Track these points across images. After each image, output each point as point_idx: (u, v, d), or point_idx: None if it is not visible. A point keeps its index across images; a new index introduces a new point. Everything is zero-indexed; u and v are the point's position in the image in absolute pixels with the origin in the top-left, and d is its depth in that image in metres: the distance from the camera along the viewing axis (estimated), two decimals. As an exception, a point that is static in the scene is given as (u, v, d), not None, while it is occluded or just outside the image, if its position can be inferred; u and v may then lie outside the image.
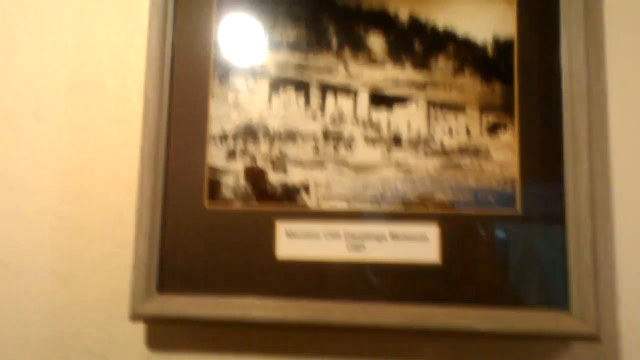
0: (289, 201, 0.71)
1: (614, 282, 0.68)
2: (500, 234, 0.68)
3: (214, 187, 0.72)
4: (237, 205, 0.72)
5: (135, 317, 0.69)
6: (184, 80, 0.74)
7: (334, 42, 0.73)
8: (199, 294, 0.70)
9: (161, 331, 0.74)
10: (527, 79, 0.70)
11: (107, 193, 0.77)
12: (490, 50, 0.71)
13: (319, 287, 0.69)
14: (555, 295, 0.66)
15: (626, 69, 0.71)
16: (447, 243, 0.68)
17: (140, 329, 0.74)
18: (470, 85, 0.71)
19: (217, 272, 0.71)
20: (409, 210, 0.70)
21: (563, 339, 0.67)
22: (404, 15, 0.73)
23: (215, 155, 0.73)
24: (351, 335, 0.71)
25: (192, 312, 0.68)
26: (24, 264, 0.78)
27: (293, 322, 0.67)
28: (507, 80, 0.70)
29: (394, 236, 0.69)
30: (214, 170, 0.72)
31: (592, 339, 0.63)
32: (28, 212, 0.78)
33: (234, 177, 0.72)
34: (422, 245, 0.69)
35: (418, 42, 0.72)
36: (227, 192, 0.72)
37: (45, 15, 0.81)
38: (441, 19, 0.72)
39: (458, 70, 0.71)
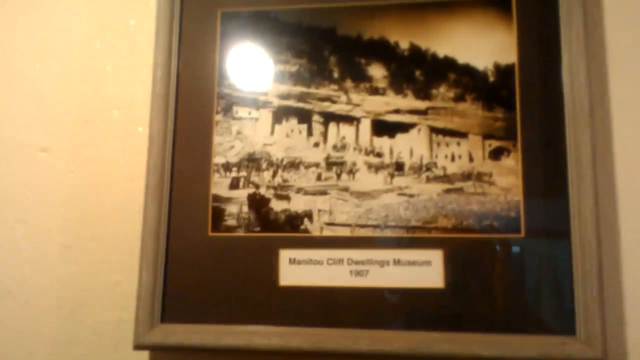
0: (292, 229, 0.72)
1: (621, 305, 0.67)
2: (504, 258, 0.68)
3: (218, 216, 0.73)
4: (240, 233, 0.72)
5: (139, 347, 0.70)
6: (189, 112, 0.77)
7: (336, 72, 0.76)
8: (201, 322, 0.71)
9: (166, 355, 0.73)
10: (529, 103, 0.71)
11: (112, 223, 0.79)
12: (491, 77, 0.73)
13: (322, 314, 0.70)
14: (561, 319, 0.67)
15: (629, 89, 0.73)
16: (451, 268, 0.69)
17: (145, 356, 0.73)
18: (472, 112, 0.72)
19: (219, 300, 0.72)
20: (412, 236, 0.69)
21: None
22: (404, 44, 0.75)
23: (219, 184, 0.74)
24: (355, 364, 0.70)
25: (194, 341, 0.69)
26: (30, 294, 0.80)
27: (295, 349, 0.68)
28: (509, 106, 0.71)
29: (398, 262, 0.70)
30: (218, 199, 0.74)
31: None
32: (35, 242, 0.81)
33: (237, 205, 0.73)
34: (425, 270, 0.69)
35: (419, 71, 0.74)
36: (230, 221, 0.73)
37: (54, 51, 0.86)
38: (441, 48, 0.74)
39: (459, 97, 0.73)
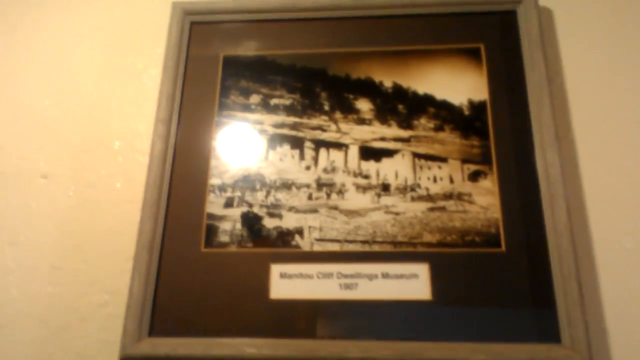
0: (283, 244, 0.75)
1: (600, 308, 0.70)
2: (487, 270, 0.71)
3: (211, 232, 0.77)
4: (233, 249, 0.75)
5: (125, 358, 0.68)
6: (189, 138, 0.82)
7: (326, 105, 0.83)
8: (191, 335, 0.70)
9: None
10: (501, 132, 0.79)
11: (105, 245, 0.82)
12: (466, 111, 0.81)
13: (312, 326, 0.71)
14: (545, 328, 0.68)
15: (588, 114, 0.82)
16: (437, 280, 0.72)
17: (127, 375, 0.72)
18: (450, 140, 0.79)
19: (210, 313, 0.73)
20: (399, 250, 0.73)
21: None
22: (388, 83, 0.84)
23: (214, 204, 0.79)
24: (345, 374, 0.70)
25: (182, 352, 0.69)
26: (14, 315, 0.79)
27: (285, 359, 0.67)
28: (483, 135, 0.79)
29: (386, 275, 0.73)
30: (212, 217, 0.77)
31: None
32: (24, 265, 0.82)
33: (231, 222, 0.77)
34: (413, 282, 0.72)
35: (401, 105, 0.82)
36: (223, 237, 0.76)
37: (63, 88, 0.94)
38: (421, 86, 0.84)
39: (439, 127, 0.80)
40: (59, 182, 0.87)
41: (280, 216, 0.78)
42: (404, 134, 0.82)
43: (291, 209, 0.79)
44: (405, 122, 0.83)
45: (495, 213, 0.76)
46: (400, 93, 0.85)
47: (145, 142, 0.86)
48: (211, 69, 0.88)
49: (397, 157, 0.81)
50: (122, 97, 0.92)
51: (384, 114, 0.84)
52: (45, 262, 0.82)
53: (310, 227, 0.77)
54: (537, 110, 0.80)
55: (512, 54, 0.85)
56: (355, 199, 0.79)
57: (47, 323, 0.79)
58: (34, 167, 0.88)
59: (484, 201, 0.77)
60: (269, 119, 0.85)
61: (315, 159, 0.82)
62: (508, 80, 0.84)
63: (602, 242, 0.74)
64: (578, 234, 0.74)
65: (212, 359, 0.69)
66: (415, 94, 0.85)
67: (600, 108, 0.83)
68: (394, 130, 0.83)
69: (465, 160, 0.80)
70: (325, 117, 0.84)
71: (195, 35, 0.91)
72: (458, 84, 0.85)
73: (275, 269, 0.75)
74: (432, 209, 0.77)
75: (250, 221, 0.79)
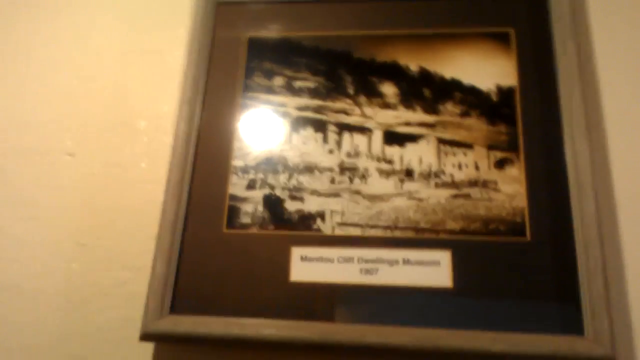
0: (304, 227, 0.76)
1: (626, 302, 0.69)
2: (511, 260, 0.71)
3: (233, 214, 0.77)
4: (254, 231, 0.76)
5: (146, 336, 0.71)
6: (213, 118, 0.82)
7: (351, 89, 0.83)
8: (211, 314, 0.72)
9: (170, 354, 0.73)
10: (529, 119, 0.78)
11: (129, 223, 0.84)
12: (494, 97, 0.80)
13: (331, 310, 0.71)
14: (568, 319, 0.68)
15: (620, 103, 0.80)
16: (459, 268, 0.72)
17: (149, 352, 0.74)
18: (477, 126, 0.78)
19: (230, 293, 0.74)
20: (421, 237, 0.73)
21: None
22: (414, 67, 0.83)
23: (237, 185, 0.79)
24: (363, 358, 0.70)
25: (202, 330, 0.70)
26: (38, 290, 0.82)
27: (303, 341, 0.68)
28: (511, 122, 0.78)
29: (407, 261, 0.72)
30: (234, 198, 0.78)
31: (608, 360, 0.63)
32: (49, 240, 0.84)
33: (253, 205, 0.78)
34: (434, 270, 0.72)
35: (427, 90, 0.81)
36: (245, 219, 0.77)
37: (89, 68, 0.95)
38: (448, 71, 0.82)
39: (465, 113, 0.79)
40: (85, 160, 0.89)
41: (302, 199, 0.79)
42: (430, 119, 0.82)
43: (313, 192, 0.79)
44: (431, 107, 0.82)
45: (521, 202, 0.75)
46: (426, 77, 0.84)
47: (169, 123, 0.87)
48: (236, 51, 0.89)
49: (422, 143, 0.80)
50: (146, 77, 0.93)
51: (409, 98, 0.83)
52: (70, 239, 0.84)
53: (332, 211, 0.78)
54: (567, 98, 0.78)
55: (542, 39, 0.83)
56: (378, 184, 0.79)
57: (69, 298, 0.81)
58: (61, 145, 0.90)
59: (510, 189, 0.76)
60: (293, 102, 0.85)
61: (339, 143, 0.82)
62: (538, 66, 0.82)
63: (630, 235, 0.73)
64: (606, 226, 0.72)
65: (232, 339, 0.70)
66: (442, 79, 0.84)
67: (634, 97, 0.81)
68: (419, 115, 0.82)
69: (491, 147, 0.79)
70: (349, 101, 0.84)
71: (221, 16, 0.91)
72: (486, 69, 0.83)
73: (296, 252, 0.76)
74: (456, 196, 0.77)
75: (272, 204, 0.79)
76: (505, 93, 0.81)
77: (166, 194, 0.79)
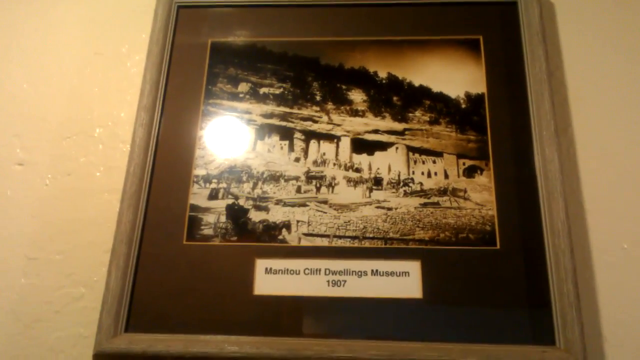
0: (269, 238, 0.74)
1: (597, 311, 0.70)
2: (481, 269, 0.71)
3: (194, 225, 0.76)
4: (216, 242, 0.74)
5: (99, 355, 0.67)
6: (173, 126, 0.80)
7: (318, 96, 0.82)
8: (169, 332, 0.70)
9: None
10: (498, 127, 0.79)
11: (83, 236, 0.81)
12: (463, 104, 0.81)
13: (297, 324, 0.70)
14: (540, 330, 0.68)
15: (588, 110, 0.81)
16: (429, 278, 0.71)
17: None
18: (446, 134, 0.79)
19: (190, 309, 0.72)
20: (390, 247, 0.72)
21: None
22: (383, 74, 0.83)
23: (198, 195, 0.77)
24: (331, 375, 0.69)
25: (159, 349, 0.68)
26: (-16, 308, 0.76)
27: (268, 357, 0.68)
28: (480, 129, 0.79)
29: (375, 272, 0.72)
30: (196, 209, 0.76)
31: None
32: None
33: (215, 215, 0.76)
34: (403, 280, 0.71)
35: (396, 97, 0.82)
36: (207, 230, 0.75)
37: (44, 73, 0.93)
38: (417, 78, 0.83)
39: (434, 121, 0.80)
40: (36, 169, 0.86)
41: (267, 209, 0.77)
42: (399, 126, 0.81)
43: (279, 202, 0.78)
44: (400, 115, 0.82)
45: (491, 210, 0.75)
46: (395, 84, 0.84)
47: (127, 129, 0.85)
48: (198, 56, 0.87)
49: (391, 151, 0.80)
50: (104, 82, 0.90)
51: (378, 105, 0.83)
52: (20, 253, 0.81)
53: (298, 221, 0.76)
54: (536, 105, 0.79)
55: (511, 47, 0.84)
56: (345, 193, 0.78)
57: (20, 316, 0.77)
58: (10, 153, 0.87)
59: (480, 197, 0.76)
60: (258, 109, 0.84)
61: (305, 151, 0.81)
62: (507, 73, 0.83)
63: (600, 242, 0.74)
64: (576, 233, 0.73)
65: (192, 357, 0.68)
66: (410, 86, 0.84)
67: (601, 104, 0.83)
68: (388, 123, 0.82)
69: (461, 155, 0.79)
70: (316, 108, 0.83)
71: (182, 19, 0.89)
72: (455, 76, 0.84)
73: (260, 264, 0.74)
74: (425, 205, 0.76)
75: (236, 214, 0.77)
76: (474, 100, 0.82)
77: (122, 205, 0.76)
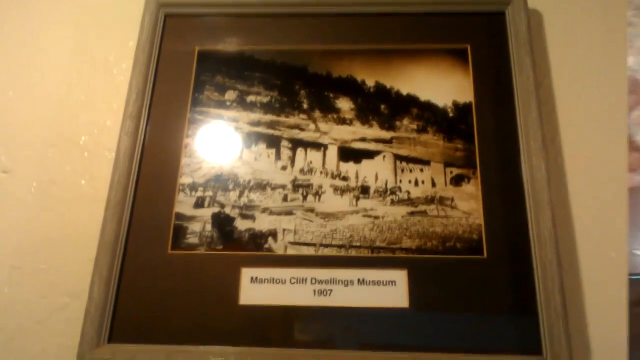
0: (255, 247, 0.75)
1: (585, 324, 0.70)
2: (468, 279, 0.71)
3: (179, 234, 0.76)
4: (202, 251, 0.74)
5: (81, 366, 0.67)
6: (159, 134, 0.81)
7: (306, 104, 0.83)
8: (153, 342, 0.69)
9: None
10: (486, 136, 0.80)
11: (68, 245, 0.81)
12: (450, 113, 0.81)
13: (283, 334, 0.70)
14: (527, 340, 0.68)
15: (576, 119, 0.83)
16: (416, 288, 0.71)
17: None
18: (434, 142, 0.79)
19: (175, 320, 0.72)
20: (377, 256, 0.73)
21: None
22: (370, 83, 0.84)
23: (184, 204, 0.77)
24: (316, 385, 0.69)
25: (144, 360, 0.67)
26: (-35, 319, 0.76)
27: None
28: (468, 138, 0.80)
29: (362, 281, 0.72)
30: (181, 218, 0.76)
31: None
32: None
33: (201, 224, 0.76)
34: (390, 289, 0.71)
35: (384, 106, 0.83)
36: (192, 239, 0.75)
37: (30, 81, 0.93)
38: (405, 87, 0.84)
39: (422, 129, 0.81)
40: (21, 178, 0.86)
41: (253, 218, 0.78)
42: (386, 135, 0.82)
43: (265, 210, 0.78)
44: (388, 123, 0.83)
45: (478, 219, 0.76)
46: (383, 93, 0.85)
47: (113, 138, 0.85)
48: (185, 64, 0.88)
49: (378, 159, 0.81)
50: (90, 90, 0.91)
51: (365, 114, 0.84)
52: (3, 262, 0.81)
53: (284, 230, 0.77)
54: (524, 114, 0.80)
55: (499, 56, 0.86)
56: (332, 202, 0.78)
57: (2, 326, 0.77)
58: (-6, 161, 0.87)
59: (467, 206, 0.77)
60: (245, 117, 0.84)
61: (292, 159, 0.81)
62: (495, 82, 0.84)
63: (588, 252, 0.75)
64: (563, 243, 0.74)
65: (176, 368, 0.68)
66: (398, 94, 0.85)
67: (589, 113, 0.84)
68: (375, 131, 0.83)
69: (448, 164, 0.80)
70: (304, 116, 0.84)
71: (170, 28, 0.90)
72: (443, 85, 0.85)
73: (246, 274, 0.74)
74: (412, 214, 0.77)
75: (222, 222, 0.78)
76: (462, 109, 0.83)
77: (106, 213, 0.77)
